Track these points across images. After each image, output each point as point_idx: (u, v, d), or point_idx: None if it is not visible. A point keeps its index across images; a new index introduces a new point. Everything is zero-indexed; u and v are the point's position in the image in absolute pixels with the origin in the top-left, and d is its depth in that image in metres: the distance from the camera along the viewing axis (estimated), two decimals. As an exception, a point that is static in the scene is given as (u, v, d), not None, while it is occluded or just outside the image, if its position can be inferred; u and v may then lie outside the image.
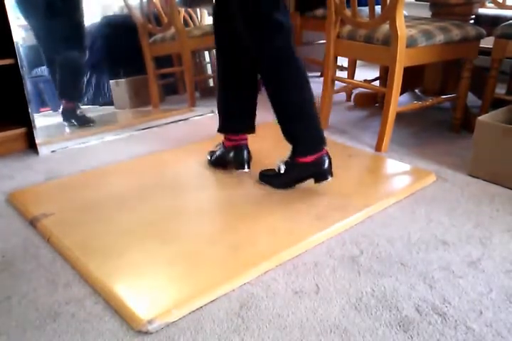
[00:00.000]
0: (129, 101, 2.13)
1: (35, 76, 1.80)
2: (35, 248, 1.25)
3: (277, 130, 1.51)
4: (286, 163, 1.51)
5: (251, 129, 1.66)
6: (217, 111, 1.64)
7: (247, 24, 1.38)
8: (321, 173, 1.50)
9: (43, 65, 1.81)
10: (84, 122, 1.99)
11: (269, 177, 1.57)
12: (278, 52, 1.38)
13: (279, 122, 1.49)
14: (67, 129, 2.02)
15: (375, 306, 1.05)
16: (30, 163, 1.78)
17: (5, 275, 1.15)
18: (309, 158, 1.48)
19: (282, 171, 1.51)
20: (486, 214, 1.44)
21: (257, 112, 1.53)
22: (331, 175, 1.51)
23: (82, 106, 1.97)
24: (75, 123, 1.98)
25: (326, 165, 1.49)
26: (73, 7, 1.83)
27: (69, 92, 1.95)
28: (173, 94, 2.42)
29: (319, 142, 1.49)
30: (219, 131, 1.64)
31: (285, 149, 1.51)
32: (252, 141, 1.66)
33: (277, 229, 1.32)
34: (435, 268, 1.19)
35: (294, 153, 1.50)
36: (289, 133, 1.49)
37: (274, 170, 1.56)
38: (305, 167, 1.49)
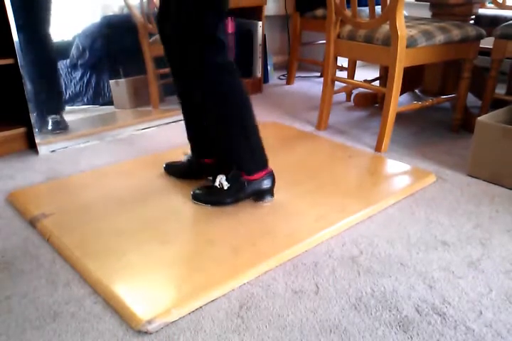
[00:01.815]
0: (129, 101, 2.13)
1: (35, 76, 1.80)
2: (35, 248, 1.25)
3: (277, 130, 1.51)
4: (229, 180, 1.42)
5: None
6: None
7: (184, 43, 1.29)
8: (261, 193, 1.45)
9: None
10: (55, 128, 1.93)
11: (209, 196, 1.46)
12: (219, 69, 1.32)
13: (221, 138, 1.40)
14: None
15: (374, 306, 1.05)
16: (30, 163, 1.78)
17: (5, 275, 1.15)
18: (254, 177, 1.42)
19: (225, 188, 1.42)
20: (486, 215, 1.44)
21: (256, 112, 1.52)
22: (272, 196, 1.48)
23: (82, 106, 1.97)
24: (48, 128, 1.88)
25: (269, 184, 1.45)
26: None
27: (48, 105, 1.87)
28: (173, 94, 2.42)
29: (262, 160, 1.44)
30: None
31: (285, 149, 1.51)
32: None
33: (277, 230, 1.32)
34: (435, 268, 1.19)
35: (240, 170, 1.42)
36: (232, 149, 1.41)
37: (207, 187, 1.48)
38: (249, 185, 1.42)
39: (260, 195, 1.46)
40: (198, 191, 1.48)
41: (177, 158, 1.68)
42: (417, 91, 2.61)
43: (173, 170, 1.65)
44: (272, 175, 1.46)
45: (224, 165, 1.47)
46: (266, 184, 1.45)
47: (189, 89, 1.39)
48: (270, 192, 1.47)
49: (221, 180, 1.43)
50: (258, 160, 1.44)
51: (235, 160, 1.43)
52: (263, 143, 1.43)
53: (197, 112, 1.48)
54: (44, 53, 1.82)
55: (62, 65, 1.88)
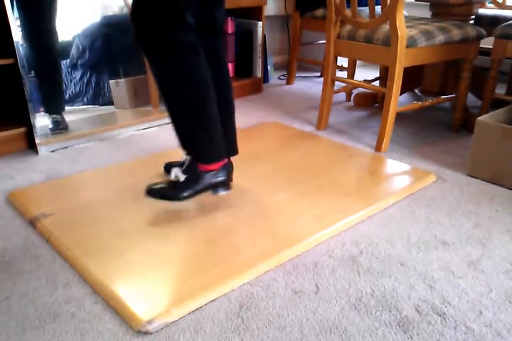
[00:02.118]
0: (129, 101, 2.13)
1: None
2: (34, 248, 1.25)
3: (277, 130, 1.50)
4: (185, 171, 1.36)
5: None
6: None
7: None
8: (215, 185, 1.40)
9: (43, 65, 1.81)
10: (55, 128, 1.92)
11: (163, 190, 1.39)
12: (181, 47, 1.23)
13: (179, 124, 1.34)
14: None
15: (374, 306, 1.05)
16: (30, 163, 1.78)
17: (5, 275, 1.15)
18: (210, 167, 1.36)
19: (182, 179, 1.35)
20: (486, 215, 1.44)
21: (256, 112, 1.51)
22: (226, 188, 1.42)
23: (81, 106, 1.97)
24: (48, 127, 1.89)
25: (224, 177, 1.40)
26: None
27: (51, 105, 1.89)
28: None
29: (220, 149, 1.37)
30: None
31: (285, 149, 1.51)
32: (252, 141, 1.67)
33: (277, 229, 1.32)
34: (435, 268, 1.19)
35: (197, 161, 1.36)
36: (190, 136, 1.35)
37: (162, 182, 1.41)
38: (204, 177, 1.36)
39: (215, 188, 1.40)
40: (153, 186, 1.40)
41: (177, 158, 1.69)
42: (416, 91, 2.61)
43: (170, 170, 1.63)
44: (227, 168, 1.40)
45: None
46: (221, 176, 1.38)
47: (152, 70, 1.30)
48: (225, 184, 1.41)
49: (177, 173, 1.36)
50: (217, 150, 1.37)
51: (192, 148, 1.36)
52: (221, 133, 1.36)
53: None
54: (46, 51, 1.82)
55: (63, 64, 1.88)
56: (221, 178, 1.39)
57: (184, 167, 1.36)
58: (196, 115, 1.30)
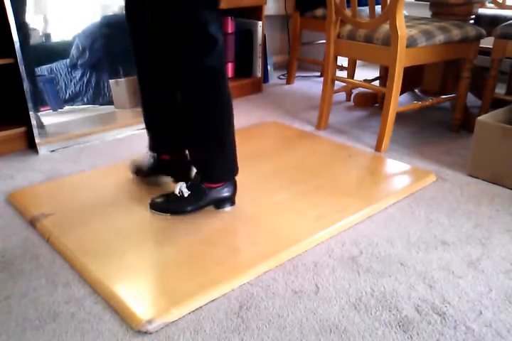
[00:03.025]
0: (129, 101, 2.12)
1: (36, 75, 1.80)
2: (34, 248, 1.25)
3: (277, 130, 1.50)
4: (189, 187, 1.37)
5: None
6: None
7: (172, 36, 1.18)
8: (221, 201, 1.40)
9: (43, 65, 1.81)
10: None
11: (167, 204, 1.40)
12: (208, 72, 1.23)
13: (191, 144, 1.36)
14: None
15: (374, 306, 1.05)
16: (30, 163, 1.78)
17: (5, 275, 1.15)
18: (216, 184, 1.38)
19: (186, 195, 1.36)
20: (486, 215, 1.44)
21: (256, 112, 1.51)
22: (232, 204, 1.43)
23: (81, 106, 1.97)
24: None
25: (230, 192, 1.41)
26: None
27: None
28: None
29: (233, 170, 1.40)
30: None
31: (285, 149, 1.51)
32: (252, 140, 1.67)
33: (277, 229, 1.32)
34: (435, 268, 1.19)
35: (203, 178, 1.37)
36: (200, 157, 1.37)
37: (166, 195, 1.41)
38: (209, 192, 1.37)
39: (220, 203, 1.41)
40: (157, 199, 1.41)
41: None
42: (416, 91, 2.60)
43: (139, 172, 1.59)
44: (233, 183, 1.41)
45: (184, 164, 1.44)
46: (226, 192, 1.40)
47: (172, 90, 1.31)
48: (231, 200, 1.42)
49: (181, 188, 1.37)
50: (228, 171, 1.40)
51: (205, 168, 1.38)
52: (236, 154, 1.38)
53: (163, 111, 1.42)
54: None
55: (62, 64, 1.88)
56: (226, 194, 1.40)
57: (190, 183, 1.38)
58: (217, 136, 1.32)
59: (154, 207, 1.40)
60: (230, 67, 2.69)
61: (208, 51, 1.20)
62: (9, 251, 1.24)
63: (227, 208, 1.42)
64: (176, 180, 1.50)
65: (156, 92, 1.42)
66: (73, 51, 1.89)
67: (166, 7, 1.14)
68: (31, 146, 1.89)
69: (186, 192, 1.36)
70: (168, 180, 1.56)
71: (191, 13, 1.15)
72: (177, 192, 1.38)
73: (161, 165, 1.53)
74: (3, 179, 1.65)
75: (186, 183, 1.38)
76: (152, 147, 1.54)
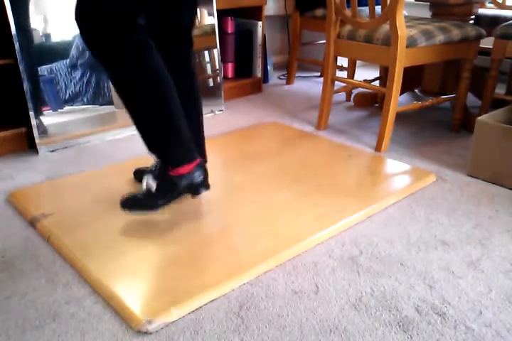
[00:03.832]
0: (129, 101, 2.13)
1: (34, 76, 1.80)
2: (34, 248, 1.25)
3: (277, 130, 1.50)
4: (156, 178, 1.30)
5: None
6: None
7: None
8: (194, 186, 1.32)
9: (43, 65, 1.81)
10: None
11: (137, 201, 1.33)
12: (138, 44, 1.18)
13: (143, 126, 1.27)
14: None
15: (374, 306, 1.05)
16: (30, 163, 1.78)
17: (5, 275, 1.15)
18: (182, 170, 1.28)
19: (154, 189, 1.30)
20: (486, 215, 1.44)
21: (256, 112, 1.51)
22: (206, 188, 1.35)
23: (81, 106, 1.97)
24: None
25: (201, 176, 1.32)
26: None
27: None
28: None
29: (190, 148, 1.31)
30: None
31: (285, 149, 1.51)
32: (252, 140, 1.67)
33: (277, 229, 1.32)
34: (435, 268, 1.19)
35: (165, 164, 1.29)
36: (156, 138, 1.28)
37: (136, 193, 1.34)
38: (178, 181, 1.29)
39: (194, 189, 1.33)
40: (126, 198, 1.34)
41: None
42: (416, 91, 2.61)
43: (141, 177, 1.52)
44: (202, 166, 1.33)
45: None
46: (198, 176, 1.31)
47: (105, 70, 1.24)
48: (204, 184, 1.34)
49: (148, 181, 1.30)
50: (186, 151, 1.29)
51: (160, 150, 1.29)
52: (189, 133, 1.29)
53: None
54: None
55: (62, 64, 1.88)
56: (198, 179, 1.31)
57: (155, 173, 1.31)
58: (159, 113, 1.22)
59: (124, 206, 1.33)
60: (229, 67, 2.69)
61: (135, 28, 1.17)
62: (9, 251, 1.24)
63: (204, 192, 1.35)
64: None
65: None
66: (73, 51, 1.89)
67: None
68: (31, 146, 1.89)
69: (154, 182, 1.29)
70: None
71: None
72: (144, 186, 1.30)
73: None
74: (3, 179, 1.65)
75: (152, 175, 1.30)
76: None
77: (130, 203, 1.33)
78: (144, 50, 1.18)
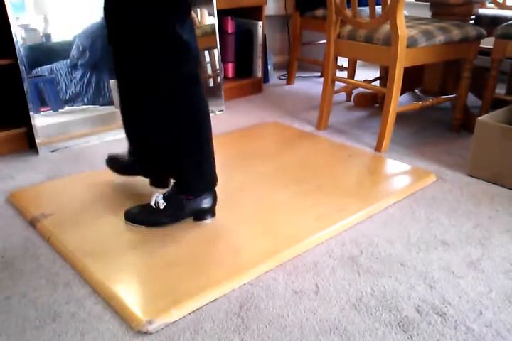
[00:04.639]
0: (129, 101, 2.13)
1: (35, 76, 1.80)
2: (35, 248, 1.25)
3: (277, 130, 1.50)
4: (166, 198, 1.31)
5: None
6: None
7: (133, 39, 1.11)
8: (201, 212, 1.33)
9: (43, 65, 1.81)
10: None
11: (141, 215, 1.33)
12: (184, 79, 1.17)
13: (164, 153, 1.28)
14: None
15: (374, 306, 1.05)
16: (30, 163, 1.78)
17: (5, 275, 1.15)
18: (194, 195, 1.31)
19: (162, 207, 1.30)
20: (486, 215, 1.44)
21: (256, 112, 1.51)
22: (212, 216, 1.36)
23: (82, 106, 1.97)
24: None
25: (210, 203, 1.33)
26: None
27: None
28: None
29: (211, 182, 1.32)
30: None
31: (285, 149, 1.51)
32: (253, 140, 1.67)
33: (277, 230, 1.32)
34: (435, 268, 1.19)
35: (179, 189, 1.31)
36: (176, 167, 1.29)
37: (142, 206, 1.35)
38: (187, 204, 1.30)
39: (200, 215, 1.34)
40: (132, 210, 1.35)
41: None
42: (417, 91, 2.60)
43: (114, 165, 1.54)
44: (212, 194, 1.34)
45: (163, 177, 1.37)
46: (206, 203, 1.32)
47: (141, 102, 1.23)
48: (211, 211, 1.35)
49: (157, 199, 1.31)
50: (206, 183, 1.32)
51: (182, 179, 1.31)
52: (214, 165, 1.32)
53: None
54: None
55: (63, 65, 1.88)
56: (206, 205, 1.33)
57: (166, 194, 1.32)
58: (195, 147, 1.24)
59: (129, 218, 1.34)
60: (230, 67, 2.69)
61: (185, 59, 1.16)
62: (9, 251, 1.24)
63: (208, 220, 1.35)
64: (153, 184, 1.44)
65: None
66: (73, 51, 1.89)
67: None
68: (32, 146, 1.89)
69: (162, 204, 1.30)
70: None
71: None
72: (153, 203, 1.31)
73: (138, 166, 1.46)
74: (3, 179, 1.65)
75: (163, 194, 1.32)
76: (132, 153, 1.47)
77: (135, 216, 1.34)
78: (197, 82, 1.20)
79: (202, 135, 1.25)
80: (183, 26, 1.13)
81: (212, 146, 1.30)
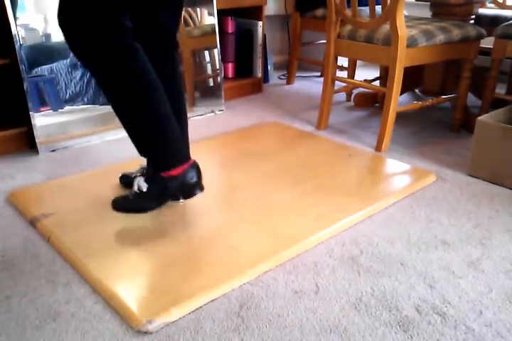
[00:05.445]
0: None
1: (35, 75, 1.80)
2: (35, 248, 1.25)
3: (277, 130, 1.50)
4: (147, 180, 1.28)
5: None
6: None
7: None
8: (188, 188, 1.29)
9: (43, 65, 1.81)
10: None
11: (128, 203, 1.32)
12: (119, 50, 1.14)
13: (129, 132, 1.25)
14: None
15: (374, 306, 1.05)
16: (30, 163, 1.78)
17: (5, 275, 1.15)
18: (174, 172, 1.26)
19: (145, 190, 1.28)
20: (486, 215, 1.44)
21: (256, 112, 1.51)
22: (201, 190, 1.32)
23: (82, 106, 1.97)
24: None
25: (195, 177, 1.29)
26: None
27: None
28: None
29: (182, 150, 1.29)
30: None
31: (285, 149, 1.51)
32: (253, 140, 1.67)
33: (277, 229, 1.32)
34: (435, 268, 1.19)
35: (156, 167, 1.28)
36: (144, 145, 1.26)
37: (126, 194, 1.33)
38: (170, 182, 1.26)
39: (188, 191, 1.30)
40: (118, 199, 1.34)
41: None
42: (417, 91, 2.61)
43: (126, 182, 1.53)
44: (195, 167, 1.29)
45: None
46: (191, 177, 1.28)
47: (91, 72, 1.20)
48: (198, 185, 1.30)
49: (139, 183, 1.28)
50: (176, 153, 1.26)
51: (150, 154, 1.27)
52: (179, 134, 1.27)
53: None
54: None
55: (63, 64, 1.88)
56: (191, 180, 1.29)
57: (146, 176, 1.29)
58: (147, 115, 1.19)
59: (116, 207, 1.34)
60: (230, 67, 2.69)
61: (117, 33, 1.13)
62: (9, 251, 1.24)
63: (198, 194, 1.30)
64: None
65: None
66: (73, 51, 1.89)
67: None
68: (32, 146, 1.89)
69: (145, 186, 1.27)
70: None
71: None
72: (135, 188, 1.29)
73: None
74: (3, 179, 1.65)
75: (143, 177, 1.29)
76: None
77: (121, 204, 1.35)
78: (131, 51, 1.15)
79: (156, 101, 1.20)
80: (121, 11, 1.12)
81: (171, 116, 1.23)
